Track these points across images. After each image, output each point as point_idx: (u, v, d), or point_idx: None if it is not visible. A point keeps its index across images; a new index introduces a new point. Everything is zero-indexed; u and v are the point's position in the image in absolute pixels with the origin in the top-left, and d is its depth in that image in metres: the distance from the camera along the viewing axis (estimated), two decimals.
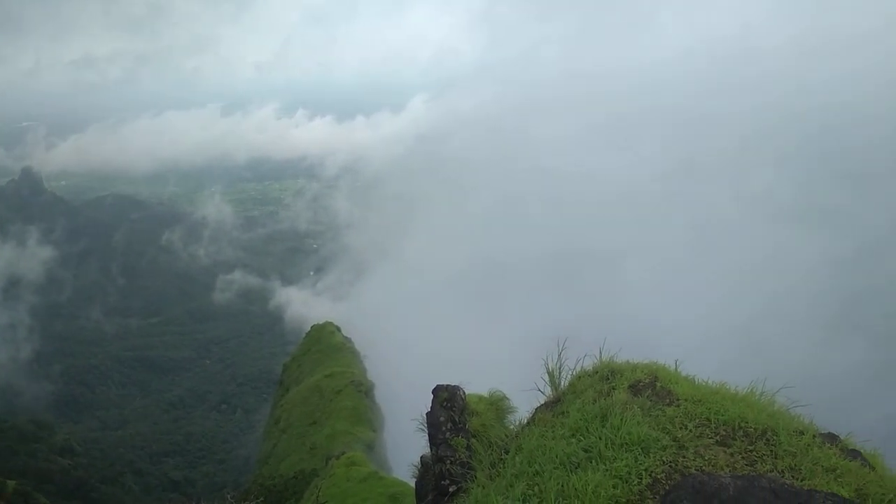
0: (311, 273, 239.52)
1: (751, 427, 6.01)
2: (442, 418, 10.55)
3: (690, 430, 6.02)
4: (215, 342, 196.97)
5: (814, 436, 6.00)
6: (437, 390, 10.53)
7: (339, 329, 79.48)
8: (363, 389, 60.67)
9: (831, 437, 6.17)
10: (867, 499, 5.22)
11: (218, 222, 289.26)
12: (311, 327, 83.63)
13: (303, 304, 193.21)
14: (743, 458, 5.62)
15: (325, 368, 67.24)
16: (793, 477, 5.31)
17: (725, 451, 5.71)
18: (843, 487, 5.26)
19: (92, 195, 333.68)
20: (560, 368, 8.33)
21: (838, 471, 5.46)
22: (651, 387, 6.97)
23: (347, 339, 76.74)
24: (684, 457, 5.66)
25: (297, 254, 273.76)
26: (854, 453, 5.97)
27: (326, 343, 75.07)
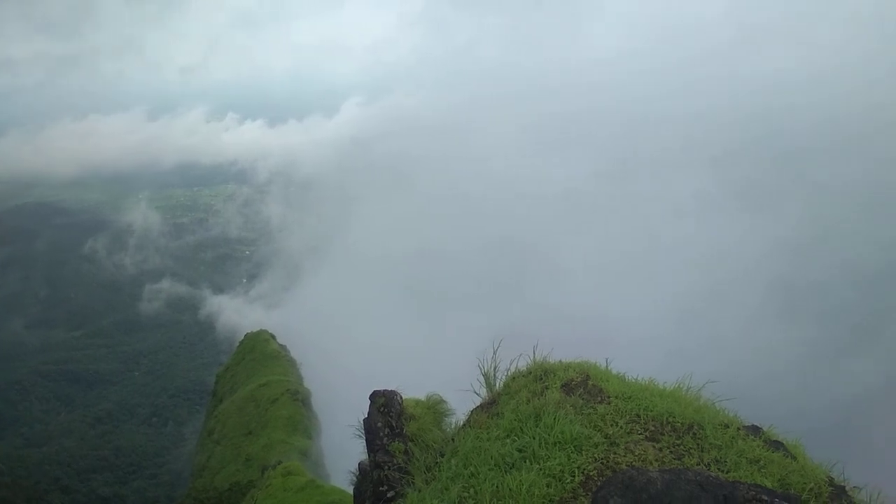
0: (244, 280, 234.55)
1: (678, 422, 6.17)
2: (379, 424, 10.48)
3: (621, 427, 6.13)
4: (144, 354, 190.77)
5: (738, 428, 6.20)
6: (374, 396, 10.45)
7: (273, 337, 78.07)
8: (300, 398, 59.72)
9: (755, 430, 6.38)
10: (789, 488, 5.41)
11: (145, 230, 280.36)
12: (245, 336, 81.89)
13: (235, 313, 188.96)
14: (671, 452, 5.75)
15: (260, 377, 65.92)
16: (718, 469, 5.47)
17: (654, 446, 5.83)
18: (766, 478, 5.44)
19: (12, 202, 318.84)
20: (495, 370, 8.37)
21: (762, 462, 5.64)
22: (583, 385, 7.07)
23: (283, 347, 75.44)
24: (615, 453, 5.76)
25: (229, 261, 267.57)
26: (777, 444, 6.18)
27: (261, 352, 73.60)
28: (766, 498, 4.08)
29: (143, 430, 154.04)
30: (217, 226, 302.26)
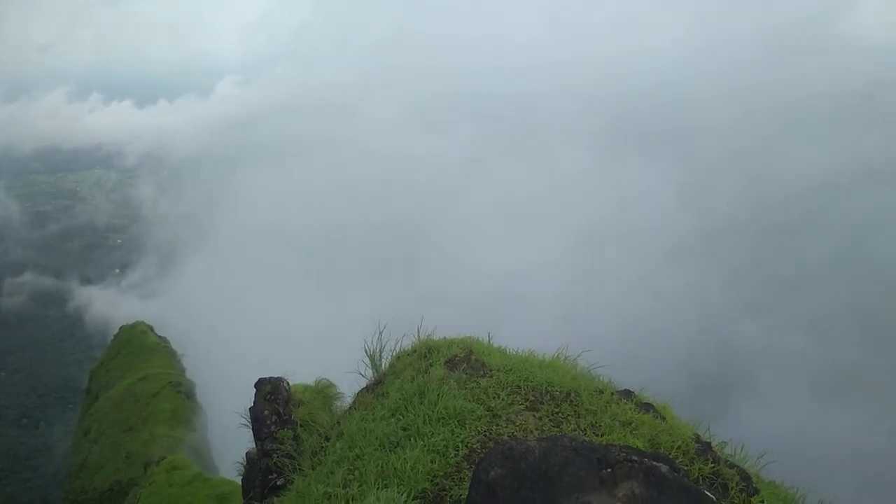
0: (116, 270, 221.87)
1: (556, 390, 6.39)
2: (266, 412, 10.25)
3: (503, 399, 6.28)
4: (9, 352, 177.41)
5: (612, 393, 6.50)
6: (260, 384, 10.21)
7: (151, 328, 74.59)
8: (182, 390, 57.61)
9: (627, 394, 6.72)
10: (659, 447, 5.73)
11: (3, 219, 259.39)
12: (120, 329, 77.73)
13: (108, 305, 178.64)
14: (550, 420, 5.95)
15: (139, 371, 62.97)
16: (594, 433, 5.72)
17: (534, 416, 6.01)
18: (637, 439, 5.74)
19: None
20: (381, 350, 8.36)
21: (633, 424, 5.95)
22: (466, 360, 7.19)
23: (162, 339, 72.26)
24: (497, 425, 5.90)
25: (98, 250, 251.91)
26: (647, 406, 6.54)
27: (138, 344, 70.19)
28: (635, 458, 4.28)
29: (12, 433, 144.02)
30: (84, 213, 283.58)
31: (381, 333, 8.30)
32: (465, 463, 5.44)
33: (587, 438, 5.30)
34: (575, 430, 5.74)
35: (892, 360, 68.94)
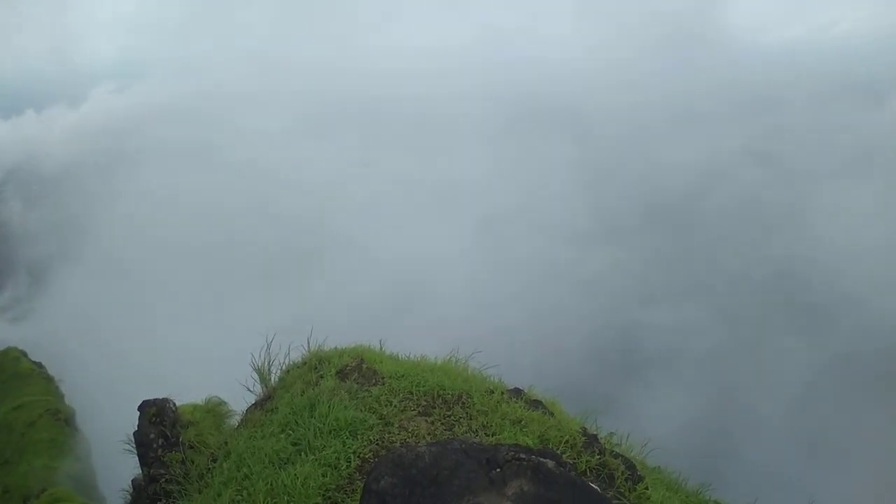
0: None
1: (448, 393, 6.42)
2: (152, 435, 9.76)
3: (395, 406, 6.25)
4: None
5: (502, 393, 6.60)
6: (144, 406, 9.73)
7: (24, 354, 69.57)
8: (62, 417, 54.06)
9: (517, 392, 6.85)
10: (548, 442, 5.87)
11: None
12: None
13: None
14: (442, 423, 5.98)
15: (13, 400, 58.62)
16: (485, 433, 5.78)
17: (427, 421, 6.02)
18: (527, 436, 5.86)
19: None
20: (269, 364, 8.14)
21: (523, 422, 6.06)
22: (358, 369, 7.11)
23: (37, 364, 67.58)
24: (390, 433, 5.87)
25: None
26: (536, 403, 6.69)
27: (10, 372, 65.32)
28: (523, 456, 4.35)
29: None
30: None
31: (268, 346, 8.08)
32: (358, 474, 5.37)
33: (478, 440, 5.36)
34: (467, 432, 5.79)
35: (790, 338, 72.79)
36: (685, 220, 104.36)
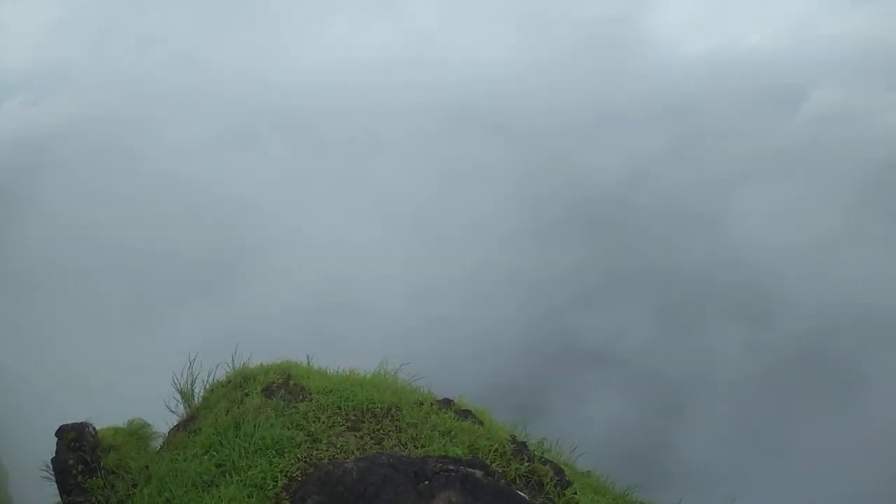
0: None
1: (378, 407, 6.38)
2: (71, 461, 9.35)
3: (323, 422, 6.16)
4: None
5: (432, 404, 6.60)
6: (62, 431, 9.32)
7: None
8: None
9: (447, 402, 6.85)
10: (478, 452, 5.89)
11: None
12: None
13: None
14: (371, 438, 5.93)
15: None
16: (414, 446, 5.76)
17: (356, 436, 5.96)
18: (457, 447, 5.86)
19: None
20: (192, 383, 7.92)
21: (453, 432, 6.07)
22: (285, 386, 6.99)
23: None
24: (318, 449, 5.78)
25: None
26: (466, 413, 6.71)
27: None
28: (452, 467, 4.37)
29: None
30: None
31: (191, 365, 7.85)
32: (285, 493, 5.26)
33: (406, 453, 5.33)
34: (396, 446, 5.76)
35: (721, 335, 74.39)
36: (613, 220, 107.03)
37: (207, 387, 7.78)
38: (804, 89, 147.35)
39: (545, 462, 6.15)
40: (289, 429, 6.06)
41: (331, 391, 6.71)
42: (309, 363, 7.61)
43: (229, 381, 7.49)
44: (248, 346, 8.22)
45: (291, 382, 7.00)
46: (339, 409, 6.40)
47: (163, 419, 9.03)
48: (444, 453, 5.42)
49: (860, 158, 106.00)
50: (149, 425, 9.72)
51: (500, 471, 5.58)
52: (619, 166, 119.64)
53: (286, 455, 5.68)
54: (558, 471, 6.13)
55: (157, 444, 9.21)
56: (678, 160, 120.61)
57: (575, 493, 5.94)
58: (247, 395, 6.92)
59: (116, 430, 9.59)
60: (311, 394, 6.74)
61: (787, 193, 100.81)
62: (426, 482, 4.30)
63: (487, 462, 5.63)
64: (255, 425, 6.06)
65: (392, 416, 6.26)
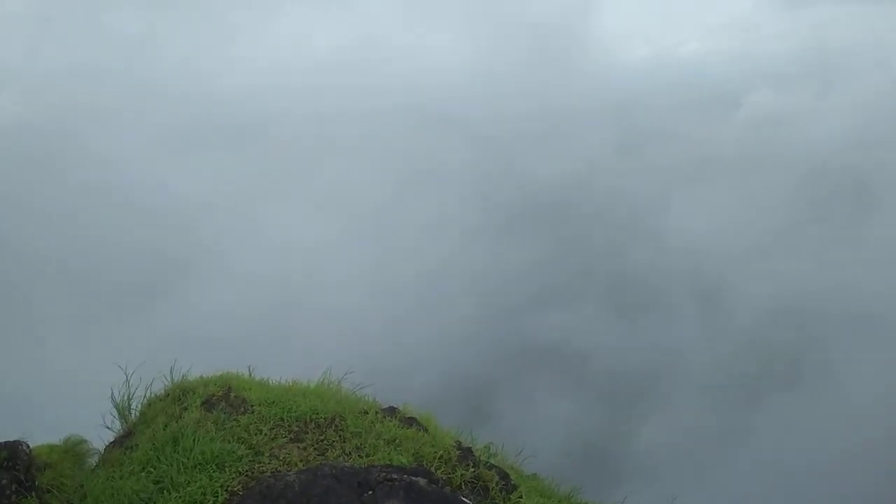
0: None
1: (321, 417, 6.30)
2: (4, 481, 9.01)
3: (265, 434, 6.06)
4: None
5: (376, 412, 6.55)
6: None
7: None
8: None
9: (391, 410, 6.82)
10: (423, 460, 5.87)
11: None
12: None
13: None
14: (315, 449, 5.85)
15: None
16: (359, 456, 5.71)
17: (299, 447, 5.87)
18: (402, 455, 5.83)
19: None
20: (129, 398, 7.68)
21: (397, 440, 6.04)
22: (225, 398, 6.84)
23: None
24: (260, 462, 5.68)
25: None
26: (411, 421, 6.68)
27: None
28: (395, 476, 4.35)
29: None
30: None
31: (128, 379, 7.62)
32: None
33: (350, 463, 5.27)
34: (340, 456, 5.70)
35: (672, 330, 75.81)
36: (563, 221, 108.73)
37: (145, 401, 7.56)
38: (739, 95, 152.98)
39: (491, 467, 6.17)
40: (229, 442, 5.93)
41: (273, 402, 6.59)
42: (251, 374, 7.47)
43: (168, 395, 7.29)
44: (196, 353, 8.03)
45: (232, 394, 6.85)
46: (282, 420, 6.29)
47: (99, 436, 8.75)
48: (388, 462, 5.39)
49: (792, 161, 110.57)
50: (86, 441, 9.38)
51: (445, 477, 5.57)
52: (568, 168, 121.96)
53: (227, 469, 5.55)
54: (504, 475, 6.15)
55: (93, 461, 8.91)
56: (623, 163, 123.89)
57: (520, 498, 5.98)
58: (186, 408, 6.75)
59: (52, 448, 9.24)
60: (252, 406, 6.61)
61: (724, 195, 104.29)
62: (370, 492, 4.27)
63: (432, 469, 5.63)
64: (194, 440, 5.91)
65: (336, 425, 6.20)
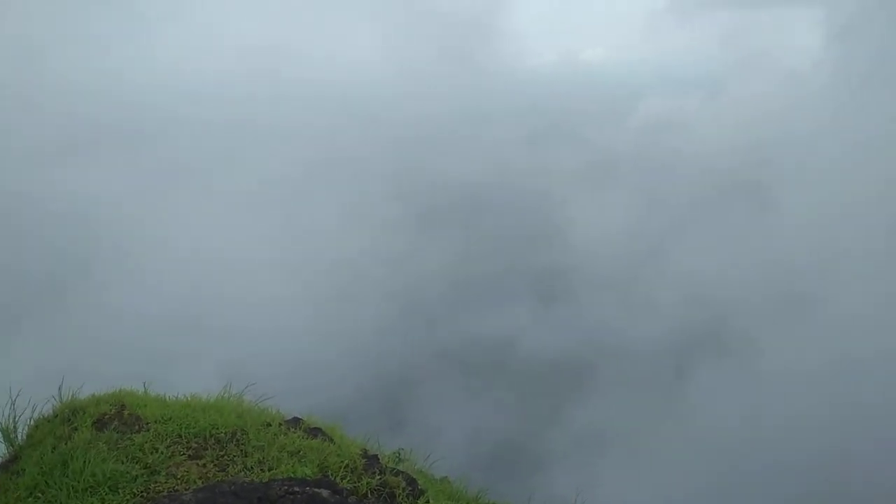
0: None
1: (221, 432, 6.12)
2: None
3: (162, 452, 5.84)
4: None
5: (280, 424, 6.43)
6: None
7: None
8: None
9: (295, 421, 6.71)
10: (327, 470, 5.80)
11: None
12: None
13: None
14: (215, 465, 5.68)
15: None
16: (261, 470, 5.58)
17: (198, 464, 5.69)
18: (306, 466, 5.74)
19: None
20: (15, 421, 7.24)
21: (301, 452, 5.94)
22: (118, 417, 6.55)
23: None
24: (157, 482, 5.47)
25: None
26: (316, 431, 6.59)
27: None
28: (297, 489, 4.28)
29: None
30: None
31: (13, 401, 7.18)
32: None
33: (251, 478, 5.15)
34: (241, 471, 5.55)
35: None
36: (473, 219, 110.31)
37: (32, 422, 7.15)
38: (637, 98, 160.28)
39: (397, 473, 6.16)
40: (123, 462, 5.67)
41: (170, 419, 6.36)
42: (146, 390, 7.18)
43: (56, 416, 6.91)
44: (76, 377, 7.65)
45: (126, 412, 6.56)
46: (180, 437, 6.08)
47: None
48: (291, 475, 5.30)
49: (683, 164, 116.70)
50: None
51: (351, 487, 5.53)
52: (478, 167, 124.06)
53: (121, 491, 5.31)
54: (411, 481, 6.16)
55: None
56: (532, 162, 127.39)
57: (427, 502, 6.00)
58: (75, 429, 6.41)
59: None
60: (148, 423, 6.36)
61: (620, 197, 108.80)
62: None
63: (337, 479, 5.57)
64: (85, 461, 5.62)
65: (237, 440, 6.04)
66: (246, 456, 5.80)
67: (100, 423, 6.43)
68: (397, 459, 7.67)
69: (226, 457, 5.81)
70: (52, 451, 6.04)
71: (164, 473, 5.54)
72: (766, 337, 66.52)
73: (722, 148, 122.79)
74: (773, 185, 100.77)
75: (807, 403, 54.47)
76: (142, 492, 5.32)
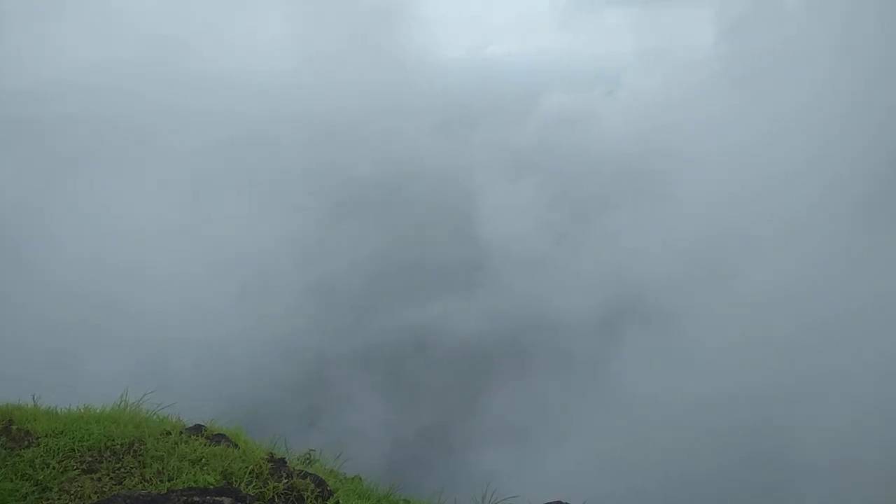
0: None
1: (117, 444, 5.89)
2: None
3: (54, 468, 5.57)
4: None
5: (180, 432, 6.22)
6: None
7: None
8: None
9: (197, 429, 6.51)
10: (232, 477, 5.66)
11: None
12: None
13: None
14: (111, 478, 5.46)
15: None
16: (160, 480, 5.40)
17: (92, 478, 5.46)
18: (209, 474, 5.59)
19: None
20: None
21: (204, 459, 5.78)
22: (6, 432, 6.20)
23: None
24: (49, 499, 5.22)
25: None
26: (219, 437, 6.42)
27: None
28: (198, 499, 4.17)
29: None
30: None
31: None
32: None
33: (149, 490, 4.98)
34: (139, 483, 5.36)
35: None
36: (388, 209, 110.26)
37: None
38: (538, 94, 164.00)
39: (305, 476, 6.09)
40: (12, 480, 5.38)
41: (62, 432, 6.06)
42: (36, 403, 6.81)
43: None
44: None
45: (14, 427, 6.21)
46: (73, 450, 5.80)
47: None
48: (193, 484, 5.15)
49: (586, 154, 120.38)
50: None
51: (256, 492, 5.43)
52: (389, 159, 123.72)
53: None
54: (320, 482, 6.10)
55: None
56: (442, 155, 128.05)
57: (337, 502, 5.96)
58: None
59: None
60: (38, 438, 6.04)
61: (529, 187, 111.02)
62: None
63: (241, 486, 5.46)
64: None
65: (135, 451, 5.81)
66: (144, 467, 5.60)
67: None
68: (307, 461, 7.58)
69: (122, 469, 5.59)
70: None
71: (56, 490, 5.29)
72: (683, 312, 69.12)
73: (622, 138, 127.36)
74: (671, 172, 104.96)
75: (726, 376, 56.98)
76: None
